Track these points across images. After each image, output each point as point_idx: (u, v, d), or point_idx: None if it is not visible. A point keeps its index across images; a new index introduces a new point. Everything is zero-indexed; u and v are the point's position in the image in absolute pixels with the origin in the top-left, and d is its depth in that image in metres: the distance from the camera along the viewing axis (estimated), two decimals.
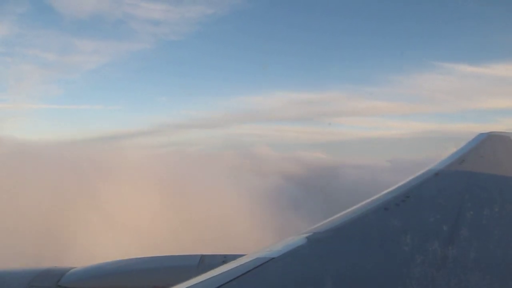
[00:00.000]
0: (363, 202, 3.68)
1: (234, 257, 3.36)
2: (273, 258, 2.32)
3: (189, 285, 2.07)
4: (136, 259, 4.10)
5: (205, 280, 2.13)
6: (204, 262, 3.82)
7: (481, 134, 8.51)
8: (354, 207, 3.54)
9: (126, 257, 4.13)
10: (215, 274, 2.20)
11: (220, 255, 3.92)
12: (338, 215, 3.32)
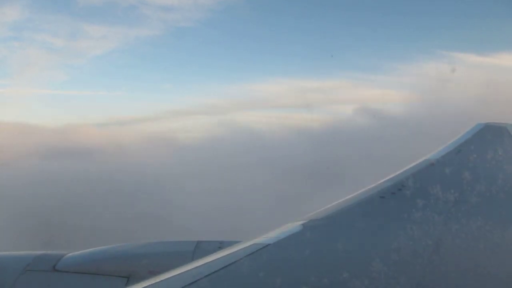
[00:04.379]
0: (359, 191, 3.69)
1: (230, 243, 3.37)
2: (268, 245, 2.33)
3: (184, 270, 2.08)
4: (132, 244, 4.11)
5: (200, 266, 2.13)
6: (200, 248, 3.84)
7: (478, 125, 8.51)
8: (351, 195, 3.56)
9: (122, 242, 4.15)
10: (210, 260, 2.21)
11: (216, 241, 3.94)
12: (334, 203, 3.33)
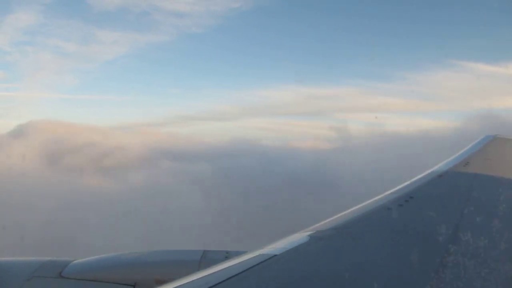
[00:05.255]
0: (367, 202, 3.68)
1: (236, 253, 3.36)
2: (275, 255, 2.32)
3: (190, 279, 2.08)
4: (138, 252, 4.11)
5: (206, 276, 2.13)
6: (206, 257, 3.82)
7: (486, 137, 8.47)
8: (357, 206, 3.54)
9: (129, 250, 4.16)
10: (217, 270, 2.21)
11: (222, 251, 3.92)
12: (341, 213, 3.32)
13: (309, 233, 2.75)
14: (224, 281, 1.99)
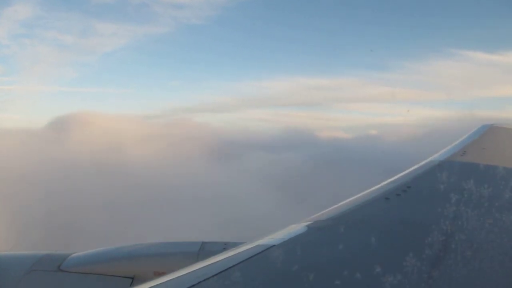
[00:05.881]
0: (364, 192, 3.69)
1: (234, 244, 3.37)
2: (273, 246, 2.33)
3: (189, 271, 2.08)
4: (137, 245, 4.12)
5: (205, 266, 2.13)
6: (205, 249, 3.84)
7: (483, 126, 8.50)
8: (355, 196, 3.55)
9: (127, 243, 4.17)
10: (215, 261, 2.21)
11: (220, 242, 3.94)
12: (339, 204, 3.32)
13: (306, 223, 2.75)
14: (222, 272, 1.99)
